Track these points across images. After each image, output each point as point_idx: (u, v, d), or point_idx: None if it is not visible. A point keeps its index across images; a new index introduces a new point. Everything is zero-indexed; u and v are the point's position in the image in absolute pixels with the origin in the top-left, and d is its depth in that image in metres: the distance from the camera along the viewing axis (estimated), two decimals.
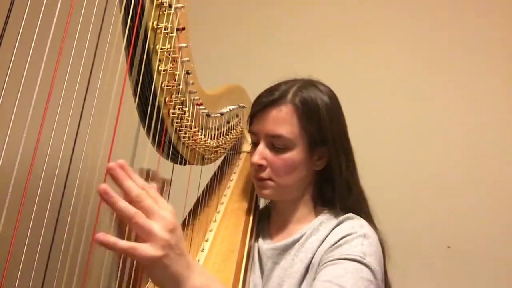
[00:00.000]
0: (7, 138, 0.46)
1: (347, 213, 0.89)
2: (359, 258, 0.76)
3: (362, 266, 0.76)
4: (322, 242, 0.85)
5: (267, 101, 0.89)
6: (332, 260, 0.78)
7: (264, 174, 0.89)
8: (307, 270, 0.83)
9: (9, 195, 0.45)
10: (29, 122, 0.48)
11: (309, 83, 0.92)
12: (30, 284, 0.53)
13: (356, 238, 0.80)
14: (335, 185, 0.90)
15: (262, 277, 0.90)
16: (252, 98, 0.99)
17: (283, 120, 0.87)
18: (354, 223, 0.85)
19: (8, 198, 0.46)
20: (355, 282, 0.74)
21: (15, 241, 0.48)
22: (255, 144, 0.92)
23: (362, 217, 0.88)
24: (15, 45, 0.45)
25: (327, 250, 0.82)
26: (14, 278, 0.50)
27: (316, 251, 0.84)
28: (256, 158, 0.88)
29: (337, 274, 0.75)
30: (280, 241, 0.91)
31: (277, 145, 0.87)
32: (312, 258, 0.84)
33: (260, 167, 0.89)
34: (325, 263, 0.79)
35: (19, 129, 0.47)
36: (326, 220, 0.89)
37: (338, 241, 0.81)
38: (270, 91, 0.91)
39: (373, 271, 0.76)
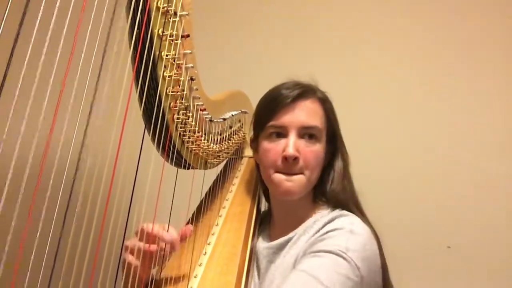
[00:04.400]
0: (18, 142, 0.47)
1: (341, 210, 0.89)
2: (339, 252, 0.73)
3: (342, 260, 0.72)
4: (311, 238, 0.84)
5: (298, 92, 0.89)
6: (313, 252, 0.76)
7: (297, 168, 0.86)
8: (295, 263, 0.83)
9: (20, 195, 0.47)
10: (39, 126, 0.50)
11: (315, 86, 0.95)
12: (40, 277, 0.54)
13: (342, 233, 0.78)
14: (333, 182, 0.91)
15: (259, 277, 0.91)
16: (254, 103, 1.00)
17: (315, 112, 0.90)
18: (345, 220, 0.83)
19: (20, 197, 0.47)
20: (329, 275, 0.70)
21: (26, 238, 0.49)
22: (275, 135, 0.88)
23: (357, 214, 0.88)
24: (28, 51, 0.47)
25: (311, 242, 0.80)
26: (25, 271, 0.51)
27: (306, 248, 0.83)
28: (292, 149, 0.85)
29: (312, 265, 0.73)
30: (276, 240, 0.92)
31: (310, 136, 0.88)
32: (303, 252, 0.83)
33: (294, 160, 0.86)
34: (306, 255, 0.78)
35: (29, 133, 0.49)
36: (320, 218, 0.89)
37: (324, 234, 0.80)
38: (295, 84, 0.91)
39: (353, 268, 0.72)
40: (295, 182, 0.87)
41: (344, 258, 0.73)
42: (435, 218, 1.42)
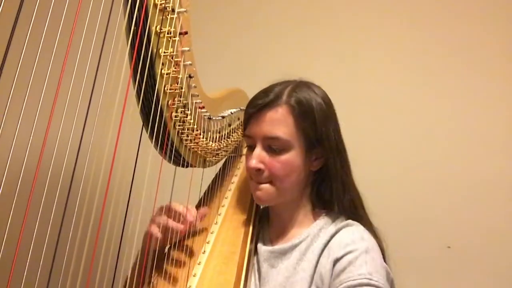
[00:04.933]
0: (14, 139, 0.47)
1: (344, 215, 0.90)
2: (366, 281, 0.75)
3: None
4: (322, 251, 0.85)
5: (262, 103, 0.88)
6: None
7: (262, 178, 0.88)
8: (311, 280, 0.83)
9: (17, 192, 0.47)
10: (36, 123, 0.49)
11: (303, 84, 0.92)
12: (37, 277, 0.54)
13: (359, 256, 0.79)
14: (332, 185, 0.90)
15: (259, 279, 0.90)
16: None
17: (279, 121, 0.86)
18: (354, 235, 0.84)
19: (16, 195, 0.47)
20: None
21: (22, 237, 0.49)
22: (250, 148, 0.91)
23: (359, 219, 0.89)
24: (23, 47, 0.46)
25: (333, 273, 0.80)
26: (21, 272, 0.51)
27: (318, 260, 0.84)
28: (253, 162, 0.87)
29: None
30: (279, 244, 0.91)
31: (274, 147, 0.86)
32: (315, 267, 0.84)
33: (258, 171, 0.88)
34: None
35: (26, 130, 0.48)
36: (325, 226, 0.89)
37: (341, 258, 0.80)
38: (264, 92, 0.90)
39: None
40: (263, 191, 0.89)
41: (373, 286, 0.75)
42: (435, 218, 1.42)
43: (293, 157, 0.87)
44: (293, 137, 0.86)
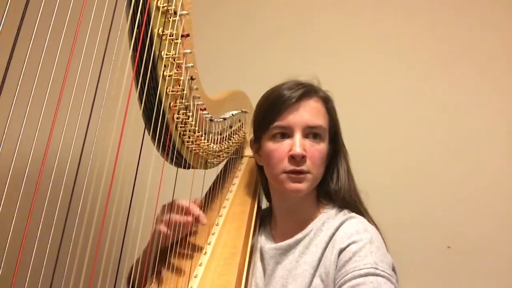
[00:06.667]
0: (18, 141, 0.47)
1: (346, 209, 0.91)
2: (373, 270, 0.76)
3: (379, 278, 0.75)
4: (327, 244, 0.85)
5: (302, 92, 0.89)
6: (349, 280, 0.77)
7: (305, 166, 0.87)
8: (314, 272, 0.84)
9: (21, 192, 0.47)
10: (40, 124, 0.50)
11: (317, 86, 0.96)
12: (40, 281, 0.54)
13: (364, 246, 0.80)
14: (337, 180, 0.92)
15: (264, 277, 0.91)
16: (254, 103, 1.00)
17: (319, 111, 0.90)
18: (358, 226, 0.85)
19: (20, 195, 0.47)
20: None
21: (26, 239, 0.50)
22: (279, 136, 0.89)
23: (361, 213, 0.90)
24: (27, 51, 0.47)
25: (338, 264, 0.81)
26: (24, 275, 0.51)
27: (323, 253, 0.85)
28: (299, 149, 0.85)
29: None
30: (283, 241, 0.92)
31: (315, 135, 0.88)
32: (319, 260, 0.84)
33: (302, 159, 0.86)
34: (341, 285, 0.78)
35: (31, 132, 0.49)
36: (328, 220, 0.90)
37: (346, 248, 0.81)
38: (297, 84, 0.91)
39: (388, 277, 0.76)
40: (304, 181, 0.87)
41: (379, 275, 0.75)
42: (435, 218, 1.43)
43: (325, 148, 0.90)
44: (327, 128, 0.91)
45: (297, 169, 0.86)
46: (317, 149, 0.88)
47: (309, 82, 0.94)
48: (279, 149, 0.88)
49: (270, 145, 0.90)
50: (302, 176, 0.87)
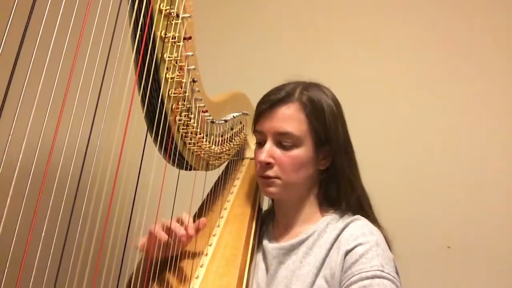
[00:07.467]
0: (24, 142, 0.48)
1: (351, 212, 0.91)
2: (379, 273, 0.77)
3: (385, 280, 0.77)
4: (332, 245, 0.86)
5: (274, 99, 0.90)
6: (356, 282, 0.78)
7: (271, 172, 0.90)
8: (317, 273, 0.84)
9: (27, 191, 0.48)
10: (44, 128, 0.50)
11: (313, 85, 0.94)
12: (45, 276, 0.55)
13: (370, 249, 0.81)
14: (339, 184, 0.92)
15: (266, 277, 0.91)
16: (255, 104, 1.00)
17: (290, 118, 0.88)
18: (364, 228, 0.86)
19: (26, 194, 0.48)
20: None
21: (32, 234, 0.50)
22: (260, 144, 0.93)
23: (366, 217, 0.90)
24: (32, 54, 0.47)
25: (344, 265, 0.81)
26: (29, 271, 0.52)
27: (327, 254, 0.85)
28: (263, 156, 0.89)
29: None
30: (286, 241, 0.92)
31: (284, 142, 0.88)
32: (323, 261, 0.85)
33: (267, 165, 0.89)
34: (348, 286, 0.79)
35: (36, 133, 0.49)
36: (332, 221, 0.90)
37: (352, 250, 0.82)
38: (276, 90, 0.93)
39: (394, 281, 0.77)
40: (272, 185, 0.91)
41: (385, 278, 0.77)
42: (435, 218, 1.43)
43: (302, 153, 0.89)
44: (304, 134, 0.89)
45: (263, 175, 0.91)
46: (289, 156, 0.88)
47: (293, 86, 0.92)
48: (257, 154, 0.93)
49: (255, 150, 0.96)
50: (270, 181, 0.91)
